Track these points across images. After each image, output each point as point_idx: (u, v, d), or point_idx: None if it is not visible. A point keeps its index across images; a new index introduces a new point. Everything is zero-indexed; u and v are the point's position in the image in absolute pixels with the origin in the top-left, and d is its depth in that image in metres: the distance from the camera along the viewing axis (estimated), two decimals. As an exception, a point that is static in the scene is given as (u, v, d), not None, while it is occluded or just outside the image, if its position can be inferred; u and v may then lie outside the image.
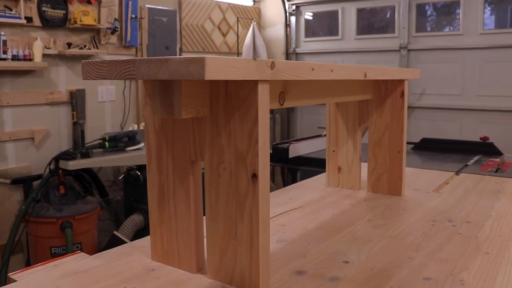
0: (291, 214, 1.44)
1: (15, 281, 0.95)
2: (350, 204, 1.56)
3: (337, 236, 1.24)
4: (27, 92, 3.38)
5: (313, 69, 0.98)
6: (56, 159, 3.10)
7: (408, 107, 4.82)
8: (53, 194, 3.08)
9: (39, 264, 1.05)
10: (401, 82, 1.62)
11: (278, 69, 0.85)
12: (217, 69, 0.71)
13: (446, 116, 4.65)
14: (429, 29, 4.80)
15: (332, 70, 1.06)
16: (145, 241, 1.17)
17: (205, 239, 0.98)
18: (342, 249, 1.14)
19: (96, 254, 1.10)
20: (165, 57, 0.74)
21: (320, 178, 1.93)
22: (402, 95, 1.63)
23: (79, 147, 3.39)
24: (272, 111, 5.59)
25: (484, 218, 1.40)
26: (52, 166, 3.14)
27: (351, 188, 1.76)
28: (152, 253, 1.06)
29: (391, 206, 1.53)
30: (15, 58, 3.17)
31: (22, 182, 3.28)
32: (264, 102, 0.85)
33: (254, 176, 0.85)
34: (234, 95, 0.86)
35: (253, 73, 0.79)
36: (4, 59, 3.11)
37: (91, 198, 3.35)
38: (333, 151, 1.78)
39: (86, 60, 0.87)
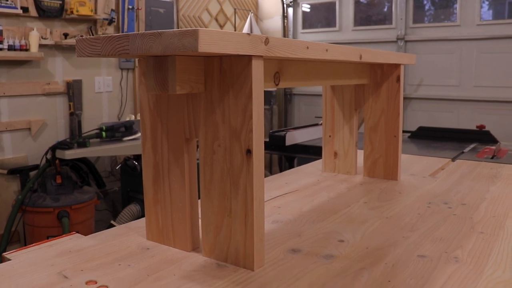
0: (286, 197, 1.45)
1: (10, 260, 0.95)
2: (346, 187, 1.56)
3: (332, 217, 1.24)
4: (24, 82, 3.37)
5: (308, 48, 0.98)
6: (53, 148, 3.09)
7: (405, 98, 4.83)
8: (50, 183, 3.08)
9: (34, 244, 1.05)
10: (397, 66, 1.62)
11: (272, 45, 0.85)
12: (211, 41, 0.71)
13: (443, 107, 4.66)
14: (426, 20, 4.79)
15: (327, 50, 1.06)
16: (141, 222, 1.17)
17: (200, 218, 0.98)
18: (338, 229, 1.14)
19: (92, 235, 1.10)
20: (158, 30, 0.74)
21: (317, 164, 1.93)
22: (398, 79, 1.63)
23: (76, 137, 3.39)
24: (269, 102, 5.59)
25: (479, 200, 1.41)
26: (49, 156, 3.13)
27: (347, 173, 1.76)
28: (147, 232, 1.06)
29: (387, 190, 1.53)
30: (11, 48, 3.16)
31: (19, 172, 3.27)
32: (259, 77, 0.85)
33: (249, 152, 0.85)
34: (229, 71, 0.86)
35: (247, 48, 0.79)
36: (0, 49, 3.10)
37: (88, 188, 3.35)
38: (329, 136, 1.79)
39: (80, 37, 0.87)
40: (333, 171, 1.79)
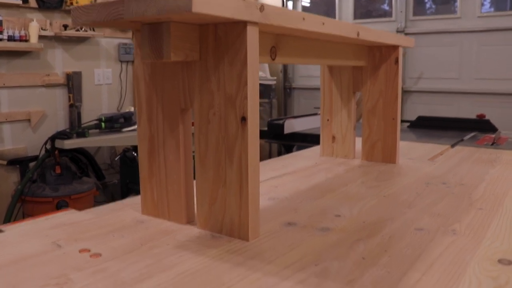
0: (283, 177, 1.44)
1: (2, 231, 0.95)
2: (344, 169, 1.56)
3: (329, 195, 1.23)
4: (23, 73, 3.36)
5: (304, 19, 0.97)
6: (52, 138, 3.09)
7: (405, 91, 4.82)
8: (49, 174, 3.07)
9: (29, 218, 1.04)
10: (395, 48, 1.61)
11: (267, 13, 0.84)
12: (205, 2, 0.70)
13: (443, 100, 4.64)
14: (426, 12, 4.77)
15: (323, 23, 1.05)
16: (137, 199, 1.16)
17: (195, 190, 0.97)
18: (334, 205, 1.13)
19: (87, 210, 1.09)
20: (151, -8, 0.73)
21: (315, 149, 1.92)
22: (396, 61, 1.62)
23: (76, 128, 3.38)
24: (269, 96, 5.57)
25: (478, 181, 1.40)
26: (48, 146, 3.13)
27: (345, 157, 1.75)
28: (142, 207, 1.05)
29: (386, 172, 1.53)
30: (11, 38, 3.16)
31: (19, 163, 3.27)
32: (254, 44, 0.84)
33: (243, 119, 0.84)
34: (224, 38, 0.85)
35: (242, 13, 0.78)
36: (0, 40, 3.09)
37: (87, 179, 3.35)
38: (327, 120, 1.78)
39: (75, 6, 0.86)
40: (331, 155, 1.78)
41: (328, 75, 1.75)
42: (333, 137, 1.78)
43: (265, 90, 5.53)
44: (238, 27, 0.83)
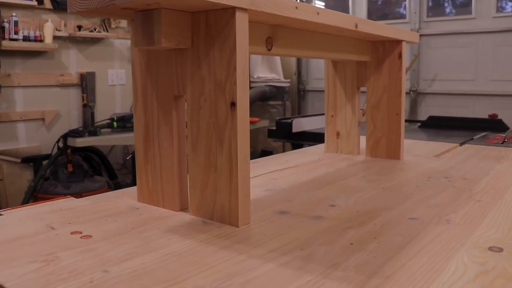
0: (284, 171, 1.44)
1: (1, 215, 0.97)
2: (346, 165, 1.55)
3: (327, 187, 1.23)
4: (38, 73, 3.43)
5: (297, 8, 0.97)
6: (65, 136, 3.14)
7: (419, 93, 4.78)
8: (62, 171, 3.12)
9: (28, 204, 1.06)
10: (398, 43, 1.60)
11: (256, 1, 0.85)
12: (189, -16, 0.71)
13: (458, 101, 4.58)
14: (441, 13, 4.72)
15: (318, 13, 1.06)
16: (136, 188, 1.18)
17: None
18: (331, 196, 1.13)
19: (85, 197, 1.11)
20: (140, -23, 0.75)
21: (320, 146, 1.92)
22: (400, 56, 1.61)
23: (89, 127, 3.43)
24: (282, 98, 5.57)
25: (481, 176, 1.38)
26: (61, 144, 3.18)
27: (349, 153, 1.74)
28: (138, 194, 1.06)
29: (388, 167, 1.51)
30: (26, 39, 3.23)
31: (32, 161, 3.33)
32: (243, 30, 0.84)
33: (233, 104, 0.85)
34: (214, 25, 0.86)
35: (230, -2, 0.79)
36: (16, 40, 3.16)
37: (99, 177, 3.39)
38: (332, 116, 1.77)
39: (69, -6, 0.88)
40: (336, 151, 1.78)
41: (332, 70, 1.75)
42: (338, 133, 1.78)
43: (278, 92, 5.54)
44: (227, 13, 0.83)
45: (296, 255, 0.75)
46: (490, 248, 0.78)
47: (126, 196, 1.11)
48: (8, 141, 3.30)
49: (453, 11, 4.68)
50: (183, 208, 1.00)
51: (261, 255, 0.75)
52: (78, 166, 3.19)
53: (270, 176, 1.36)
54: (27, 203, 3.05)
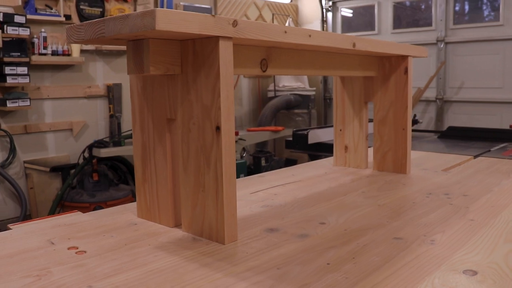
0: (287, 186, 1.47)
1: (11, 229, 1.04)
2: (350, 179, 1.57)
3: (324, 203, 1.25)
4: (66, 85, 3.58)
5: (286, 32, 1.01)
6: (90, 147, 3.26)
7: (446, 101, 4.70)
8: (87, 181, 3.24)
9: (37, 218, 1.14)
10: (404, 58, 1.61)
11: (241, 28, 0.89)
12: (169, 21, 0.76)
13: (486, 109, 4.49)
14: (467, 20, 4.64)
15: (310, 35, 1.09)
16: (138, 203, 1.23)
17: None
18: (324, 214, 1.15)
19: (90, 212, 1.18)
20: (126, 13, 0.80)
21: (330, 159, 1.93)
22: (406, 71, 1.62)
23: (115, 137, 3.55)
24: (307, 106, 5.58)
25: (484, 192, 1.37)
26: (86, 154, 3.31)
27: (357, 167, 1.76)
28: (137, 210, 1.12)
29: (392, 182, 1.52)
30: (54, 53, 3.38)
31: (60, 170, 3.47)
32: (227, 57, 0.89)
33: (218, 128, 0.89)
34: (200, 53, 0.91)
35: (212, 29, 0.83)
36: (45, 54, 3.32)
37: (124, 186, 3.50)
38: (340, 130, 1.79)
39: (69, 25, 0.95)
40: (344, 165, 1.80)
41: (340, 85, 1.77)
42: (346, 147, 1.79)
43: (303, 101, 5.55)
44: (211, 42, 0.88)
45: (270, 274, 0.78)
46: (464, 272, 0.79)
47: (128, 212, 1.17)
48: (38, 151, 3.45)
49: (492, 13, 4.57)
50: (178, 224, 1.05)
51: (237, 273, 0.79)
52: (104, 175, 3.31)
53: (271, 192, 1.40)
54: (54, 211, 3.19)
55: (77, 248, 0.91)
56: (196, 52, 0.92)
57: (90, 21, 0.88)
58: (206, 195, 0.94)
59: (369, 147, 1.78)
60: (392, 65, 1.64)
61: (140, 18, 0.77)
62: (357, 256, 0.87)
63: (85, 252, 0.89)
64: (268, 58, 1.13)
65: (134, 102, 1.08)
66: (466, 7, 4.66)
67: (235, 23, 0.88)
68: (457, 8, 4.63)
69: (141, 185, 1.10)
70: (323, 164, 1.86)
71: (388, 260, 0.85)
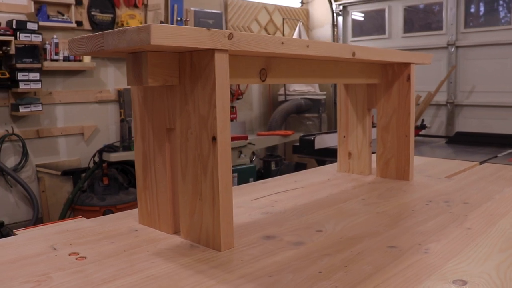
0: (289, 193, 1.49)
1: (16, 235, 1.08)
2: (352, 186, 1.58)
3: (324, 210, 1.27)
4: (78, 91, 3.65)
5: (283, 43, 1.03)
6: (100, 151, 3.31)
7: (457, 105, 4.67)
8: (98, 184, 3.29)
9: (42, 224, 1.17)
10: (407, 66, 1.62)
11: (237, 40, 0.91)
12: (163, 36, 0.78)
13: (498, 114, 4.45)
14: (478, 24, 4.61)
15: (308, 46, 1.10)
16: (140, 209, 1.26)
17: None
18: (321, 221, 1.17)
19: (93, 218, 1.21)
20: (124, 28, 0.83)
21: (334, 165, 1.94)
22: (409, 79, 1.62)
23: (125, 141, 3.60)
24: (318, 110, 5.59)
25: (484, 200, 1.37)
26: (96, 159, 3.36)
27: (361, 173, 1.76)
28: (139, 217, 1.15)
29: (393, 189, 1.53)
30: (66, 59, 3.44)
31: (72, 174, 3.53)
32: (222, 69, 0.91)
33: (214, 138, 0.92)
34: (197, 65, 0.93)
35: (207, 42, 0.86)
36: (56, 60, 3.38)
37: (134, 190, 3.54)
38: (344, 136, 1.80)
39: (71, 39, 0.98)
40: (348, 171, 1.81)
41: (344, 92, 1.78)
42: (349, 154, 1.80)
43: (314, 105, 5.56)
44: (207, 54, 0.90)
45: (262, 281, 0.80)
46: (454, 282, 0.80)
47: (130, 218, 1.20)
48: (50, 155, 3.52)
49: (508, 15, 4.51)
50: (177, 231, 1.07)
51: (230, 280, 0.81)
52: (114, 179, 3.36)
53: (272, 198, 1.42)
54: (65, 215, 3.24)
55: (78, 254, 0.94)
56: (193, 64, 0.94)
57: (90, 34, 0.91)
58: (203, 203, 0.96)
59: (373, 152, 1.79)
60: (395, 72, 1.65)
61: (136, 33, 0.80)
62: (350, 264, 0.89)
63: (85, 258, 0.92)
64: (268, 67, 1.15)
65: (135, 111, 1.11)
66: (482, 8, 4.62)
67: (230, 36, 0.90)
68: (472, 9, 4.60)
69: (142, 192, 1.13)
70: (327, 170, 1.88)
71: (380, 268, 0.86)
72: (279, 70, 1.20)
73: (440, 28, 4.82)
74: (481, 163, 2.04)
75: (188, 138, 0.97)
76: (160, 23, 4.11)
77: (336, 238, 1.04)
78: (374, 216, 1.22)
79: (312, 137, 2.72)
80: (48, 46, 3.35)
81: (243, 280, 0.81)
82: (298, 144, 2.83)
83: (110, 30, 0.86)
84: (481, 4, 4.62)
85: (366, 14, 5.64)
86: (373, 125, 1.97)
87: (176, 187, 1.06)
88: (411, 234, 1.07)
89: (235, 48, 0.92)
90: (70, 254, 0.94)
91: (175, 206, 1.06)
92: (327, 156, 2.69)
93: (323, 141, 2.71)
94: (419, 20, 5.17)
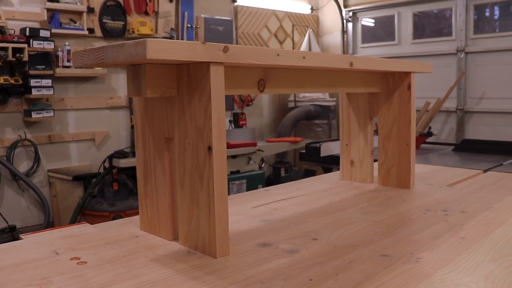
0: (289, 201, 1.51)
1: (22, 239, 1.12)
2: (353, 194, 1.60)
3: (322, 218, 1.29)
4: (89, 97, 3.71)
5: (278, 55, 1.06)
6: (110, 157, 3.37)
7: (467, 112, 4.65)
8: (108, 190, 3.35)
9: (47, 229, 1.21)
10: (407, 74, 1.63)
11: (232, 53, 0.95)
12: (159, 50, 0.82)
13: (508, 120, 4.41)
14: (487, 30, 4.59)
15: (304, 57, 1.13)
16: (142, 215, 1.30)
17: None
18: (318, 229, 1.19)
19: (97, 224, 1.24)
20: (122, 42, 0.87)
21: (337, 173, 1.96)
22: (409, 87, 1.64)
23: (135, 147, 3.66)
24: (328, 117, 5.60)
25: (483, 209, 1.38)
26: (106, 165, 3.42)
27: (363, 181, 1.78)
28: (140, 223, 1.18)
29: (393, 197, 1.54)
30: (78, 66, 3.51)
31: (82, 179, 3.59)
32: (218, 82, 0.94)
33: (210, 148, 0.95)
34: (194, 77, 0.97)
35: (203, 55, 0.89)
36: (68, 67, 3.45)
37: (143, 195, 3.59)
38: (346, 145, 1.82)
39: (74, 51, 1.02)
40: (350, 179, 1.82)
41: (346, 101, 1.80)
42: (352, 162, 1.82)
43: (323, 111, 5.58)
44: (203, 67, 0.94)
45: (253, 288, 0.83)
46: (441, 290, 0.82)
47: (132, 225, 1.24)
48: (61, 160, 3.59)
49: (493, 13, 4.50)
50: (176, 238, 1.10)
51: (222, 287, 0.83)
52: (123, 185, 3.41)
53: (273, 206, 1.44)
54: (75, 220, 3.30)
55: (79, 259, 0.97)
56: (190, 75, 0.98)
57: (91, 48, 0.95)
58: (200, 210, 0.99)
59: (375, 160, 1.80)
60: (395, 81, 1.67)
61: (133, 47, 0.83)
62: (341, 272, 0.91)
63: (85, 262, 0.95)
64: (266, 78, 1.18)
65: (137, 121, 1.14)
66: (496, 13, 4.60)
67: (225, 49, 0.93)
68: (487, 13, 4.58)
69: (143, 199, 1.16)
70: (330, 178, 1.89)
71: (370, 277, 0.88)
72: (278, 80, 1.22)
73: (450, 34, 4.81)
74: (485, 171, 2.04)
75: (185, 148, 1.01)
76: (171, 30, 4.17)
77: (331, 247, 1.06)
78: (371, 224, 1.23)
79: (318, 145, 2.74)
80: (60, 53, 3.42)
81: (235, 286, 0.84)
82: (304, 151, 2.86)
83: (110, 44, 0.89)
84: (496, 9, 4.60)
85: (376, 20, 5.65)
86: (375, 133, 1.98)
87: (175, 195, 1.09)
88: (405, 243, 1.08)
89: (230, 60, 0.95)
90: (71, 259, 0.97)
91: (174, 214, 1.10)
92: (332, 163, 2.71)
93: (328, 148, 2.73)
94: (431, 26, 5.15)
